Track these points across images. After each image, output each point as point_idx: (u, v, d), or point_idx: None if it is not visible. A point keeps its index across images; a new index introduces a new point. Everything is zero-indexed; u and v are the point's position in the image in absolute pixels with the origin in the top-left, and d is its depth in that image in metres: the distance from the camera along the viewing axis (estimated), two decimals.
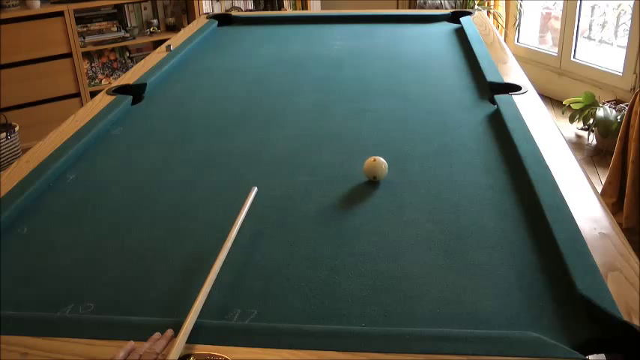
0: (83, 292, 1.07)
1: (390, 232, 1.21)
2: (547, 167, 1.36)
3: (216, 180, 1.46)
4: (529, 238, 1.16)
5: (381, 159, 1.40)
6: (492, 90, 1.87)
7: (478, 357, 0.85)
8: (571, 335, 0.91)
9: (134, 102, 1.96)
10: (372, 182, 1.40)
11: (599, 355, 0.90)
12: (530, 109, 1.71)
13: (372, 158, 1.39)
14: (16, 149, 3.56)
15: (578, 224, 1.15)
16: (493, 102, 1.81)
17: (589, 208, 1.22)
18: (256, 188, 1.32)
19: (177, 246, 1.20)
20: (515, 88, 1.87)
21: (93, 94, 3.89)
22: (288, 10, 4.48)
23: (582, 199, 1.26)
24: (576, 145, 3.78)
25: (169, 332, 0.90)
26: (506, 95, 1.80)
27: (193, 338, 0.89)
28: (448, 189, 1.36)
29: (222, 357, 0.84)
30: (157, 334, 0.90)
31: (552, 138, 1.54)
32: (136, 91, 2.01)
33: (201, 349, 0.87)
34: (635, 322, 0.89)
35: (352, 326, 0.94)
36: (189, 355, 0.85)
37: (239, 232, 1.23)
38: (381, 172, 1.39)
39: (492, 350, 0.85)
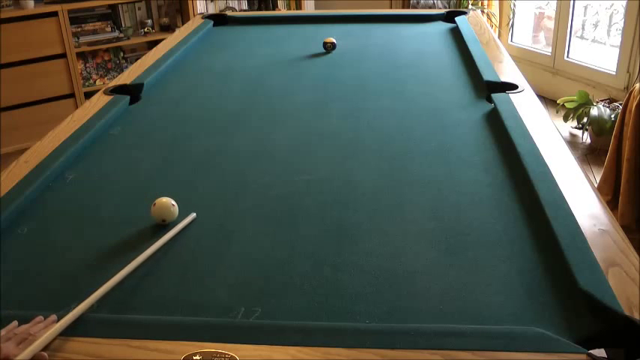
0: (84, 291, 1.06)
1: (392, 230, 1.22)
2: (546, 165, 1.37)
3: (215, 179, 1.46)
4: (529, 235, 1.17)
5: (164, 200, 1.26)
6: (489, 89, 1.88)
7: (482, 352, 0.85)
8: (573, 330, 0.92)
9: (132, 102, 1.96)
10: (372, 181, 1.41)
11: (600, 349, 0.91)
12: (527, 107, 1.72)
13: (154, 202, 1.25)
14: None
15: (578, 221, 1.16)
16: (490, 100, 1.82)
17: (588, 205, 1.23)
18: (195, 214, 1.27)
19: (176, 245, 1.20)
20: (511, 86, 1.88)
21: (87, 95, 3.88)
22: (282, 10, 4.48)
23: (581, 195, 1.27)
24: (570, 143, 3.80)
25: (52, 318, 0.95)
26: (503, 94, 1.81)
27: (199, 336, 0.89)
28: (448, 187, 1.37)
29: (229, 355, 0.84)
30: (39, 317, 0.95)
31: (550, 136, 1.55)
32: (133, 91, 2.00)
33: (208, 346, 0.87)
34: (636, 316, 0.90)
35: (357, 323, 0.95)
36: (195, 353, 0.85)
37: (239, 230, 1.24)
38: (169, 214, 1.26)
39: (497, 345, 0.86)
